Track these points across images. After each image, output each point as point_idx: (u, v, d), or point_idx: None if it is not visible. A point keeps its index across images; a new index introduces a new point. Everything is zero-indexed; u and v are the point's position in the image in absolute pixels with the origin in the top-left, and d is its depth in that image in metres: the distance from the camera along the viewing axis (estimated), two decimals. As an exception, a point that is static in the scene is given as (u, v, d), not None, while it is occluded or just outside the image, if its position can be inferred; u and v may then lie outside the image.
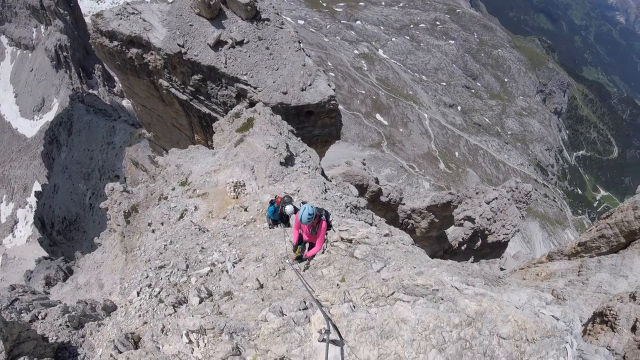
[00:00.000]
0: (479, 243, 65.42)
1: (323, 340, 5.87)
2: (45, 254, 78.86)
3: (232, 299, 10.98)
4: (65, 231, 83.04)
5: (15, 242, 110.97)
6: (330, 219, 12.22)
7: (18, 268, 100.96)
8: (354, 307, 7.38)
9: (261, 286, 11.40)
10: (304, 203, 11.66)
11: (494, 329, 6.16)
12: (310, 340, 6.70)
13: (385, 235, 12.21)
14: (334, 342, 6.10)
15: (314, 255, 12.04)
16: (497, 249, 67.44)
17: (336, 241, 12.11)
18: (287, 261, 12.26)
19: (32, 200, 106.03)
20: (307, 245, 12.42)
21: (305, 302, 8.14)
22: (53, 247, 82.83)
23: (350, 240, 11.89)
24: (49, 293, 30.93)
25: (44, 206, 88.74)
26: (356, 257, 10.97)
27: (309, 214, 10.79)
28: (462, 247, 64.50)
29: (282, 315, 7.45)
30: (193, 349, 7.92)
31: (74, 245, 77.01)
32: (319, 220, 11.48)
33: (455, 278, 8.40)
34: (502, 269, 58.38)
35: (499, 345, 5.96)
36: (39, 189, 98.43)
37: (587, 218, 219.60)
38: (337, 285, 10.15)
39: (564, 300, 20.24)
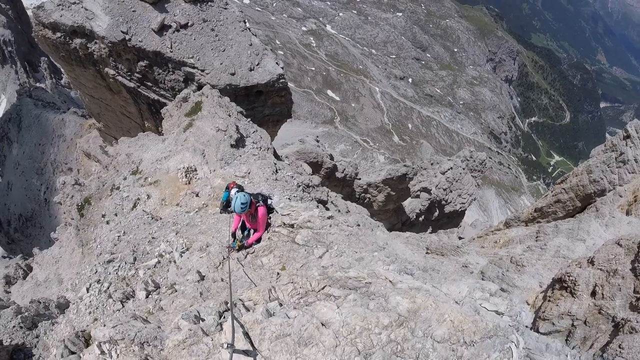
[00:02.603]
0: (436, 213, 66.39)
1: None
2: (4, 253, 77.43)
3: (175, 292, 10.74)
4: (23, 228, 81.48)
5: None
6: (269, 203, 12.04)
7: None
8: (281, 305, 7.00)
9: (202, 278, 11.05)
10: (240, 191, 11.26)
11: (428, 330, 5.72)
12: (220, 351, 6.20)
13: (328, 218, 12.01)
14: (245, 352, 5.67)
15: (258, 241, 11.76)
16: (454, 219, 68.53)
17: (279, 226, 11.86)
18: (225, 251, 11.77)
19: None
20: (251, 232, 12.08)
21: (226, 304, 7.55)
22: (11, 245, 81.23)
23: (292, 225, 11.65)
24: (10, 292, 30.57)
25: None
26: (297, 243, 10.71)
27: (242, 204, 10.38)
28: (420, 219, 65.33)
29: (199, 322, 6.90)
30: (106, 360, 7.36)
31: (32, 241, 75.62)
32: (256, 207, 11.14)
33: (392, 267, 8.09)
34: (460, 238, 59.25)
35: (433, 349, 5.49)
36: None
37: (542, 184, 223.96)
38: (277, 274, 9.88)
39: (522, 267, 20.62)
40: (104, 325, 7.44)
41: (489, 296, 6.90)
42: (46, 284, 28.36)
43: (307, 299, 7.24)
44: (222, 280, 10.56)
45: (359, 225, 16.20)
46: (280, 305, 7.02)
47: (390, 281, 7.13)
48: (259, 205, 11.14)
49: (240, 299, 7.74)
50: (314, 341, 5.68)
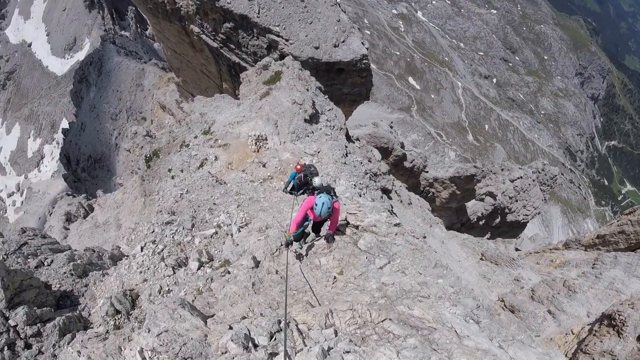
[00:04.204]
0: (497, 220, 65.10)
1: None
2: (69, 190, 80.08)
3: (228, 273, 10.33)
4: (90, 169, 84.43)
5: (41, 176, 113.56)
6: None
7: (41, 202, 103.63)
8: (336, 334, 6.69)
9: (257, 265, 10.56)
10: (318, 192, 10.26)
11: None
12: None
13: (395, 225, 11.49)
14: None
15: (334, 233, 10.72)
16: (514, 229, 67.04)
17: (342, 224, 11.34)
18: (282, 247, 11.03)
19: (59, 136, 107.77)
20: (310, 224, 11.36)
21: (279, 324, 6.91)
22: (77, 183, 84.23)
23: (356, 227, 11.22)
24: (69, 229, 31.38)
25: (71, 143, 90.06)
26: (359, 248, 10.25)
27: (329, 208, 9.66)
28: (480, 223, 64.38)
29: (249, 344, 6.24)
30: (146, 368, 6.89)
31: (98, 183, 78.28)
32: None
33: (458, 311, 7.75)
34: (517, 250, 57.92)
35: None
36: (67, 126, 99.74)
37: (609, 211, 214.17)
38: (334, 278, 9.45)
39: (574, 293, 19.88)
40: (148, 331, 6.92)
41: (557, 368, 6.30)
42: (105, 226, 28.93)
43: (365, 332, 6.84)
44: (276, 272, 9.98)
45: (425, 237, 15.34)
46: (336, 334, 6.71)
47: (456, 333, 6.76)
48: (334, 201, 10.20)
49: (294, 319, 7.28)
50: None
